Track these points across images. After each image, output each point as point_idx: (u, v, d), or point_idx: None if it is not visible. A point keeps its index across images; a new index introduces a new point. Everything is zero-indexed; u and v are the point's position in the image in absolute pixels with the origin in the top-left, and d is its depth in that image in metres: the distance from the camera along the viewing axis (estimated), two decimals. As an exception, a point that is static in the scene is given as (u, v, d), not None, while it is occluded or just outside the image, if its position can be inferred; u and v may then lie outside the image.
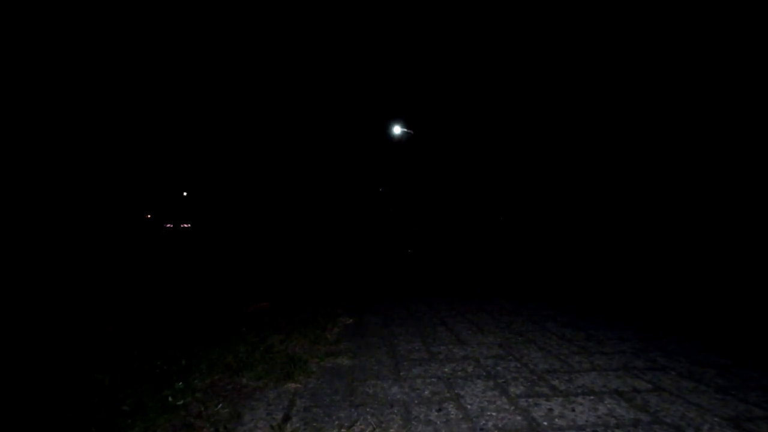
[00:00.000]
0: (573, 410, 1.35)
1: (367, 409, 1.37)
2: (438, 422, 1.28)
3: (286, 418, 1.31)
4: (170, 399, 1.40)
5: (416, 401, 1.43)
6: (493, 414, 1.33)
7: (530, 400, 1.43)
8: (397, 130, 15.45)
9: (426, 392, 1.51)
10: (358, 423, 1.28)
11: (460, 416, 1.32)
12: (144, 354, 1.90)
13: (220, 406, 1.39)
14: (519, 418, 1.30)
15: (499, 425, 1.25)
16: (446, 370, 1.75)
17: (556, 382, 1.59)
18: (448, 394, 1.49)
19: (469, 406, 1.39)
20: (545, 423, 1.26)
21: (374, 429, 1.24)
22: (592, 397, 1.45)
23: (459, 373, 1.71)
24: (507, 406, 1.38)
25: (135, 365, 1.75)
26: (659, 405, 1.38)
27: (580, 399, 1.44)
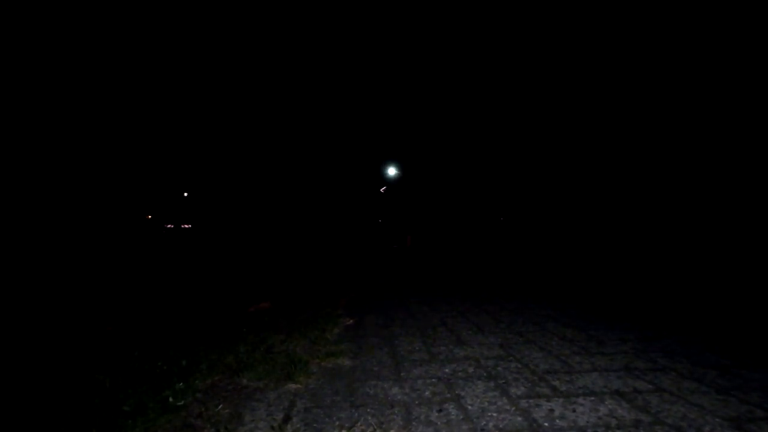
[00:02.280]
0: (574, 411, 1.35)
1: (368, 410, 1.37)
2: (439, 423, 1.28)
3: (287, 419, 1.31)
4: (171, 399, 1.40)
5: (417, 402, 1.43)
6: (494, 415, 1.33)
7: (531, 400, 1.43)
8: (391, 171, 16.29)
9: (426, 393, 1.51)
10: (359, 423, 1.28)
11: (461, 417, 1.31)
12: (144, 354, 1.90)
13: (220, 406, 1.39)
14: (520, 419, 1.30)
15: (500, 426, 1.25)
16: (447, 370, 1.74)
17: (556, 383, 1.59)
18: (448, 395, 1.49)
19: (469, 407, 1.39)
20: (546, 424, 1.26)
21: (375, 429, 1.24)
22: (593, 398, 1.44)
23: (459, 373, 1.70)
24: (508, 407, 1.38)
25: (135, 366, 1.75)
26: (660, 406, 1.38)
27: (581, 400, 1.43)
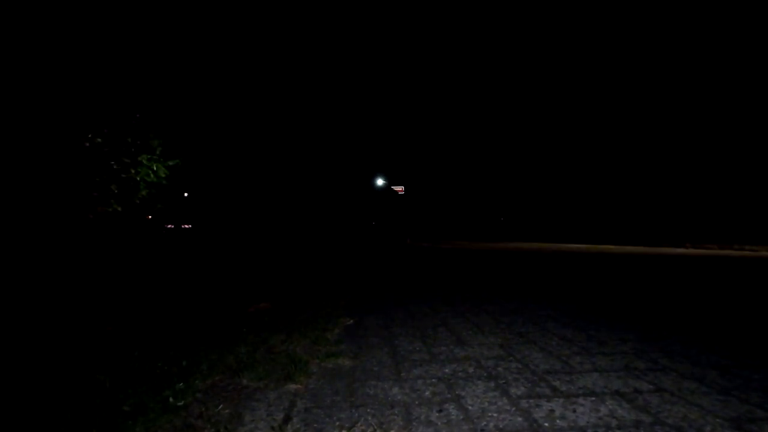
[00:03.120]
0: (574, 411, 1.35)
1: (368, 410, 1.37)
2: (439, 423, 1.28)
3: (287, 419, 1.31)
4: (171, 400, 1.40)
5: (417, 402, 1.43)
6: (494, 415, 1.33)
7: (531, 401, 1.43)
8: (379, 182, 16.74)
9: (427, 393, 1.51)
10: (359, 424, 1.28)
11: (461, 417, 1.31)
12: (144, 354, 1.90)
13: (220, 406, 1.39)
14: (520, 419, 1.30)
15: (500, 426, 1.25)
16: (447, 370, 1.74)
17: (557, 383, 1.58)
18: (448, 395, 1.48)
19: (470, 407, 1.38)
20: (546, 424, 1.26)
21: (375, 430, 1.24)
22: (593, 398, 1.44)
23: (460, 373, 1.70)
24: (508, 407, 1.38)
25: (135, 366, 1.75)
26: (661, 406, 1.38)
27: (581, 400, 1.43)
